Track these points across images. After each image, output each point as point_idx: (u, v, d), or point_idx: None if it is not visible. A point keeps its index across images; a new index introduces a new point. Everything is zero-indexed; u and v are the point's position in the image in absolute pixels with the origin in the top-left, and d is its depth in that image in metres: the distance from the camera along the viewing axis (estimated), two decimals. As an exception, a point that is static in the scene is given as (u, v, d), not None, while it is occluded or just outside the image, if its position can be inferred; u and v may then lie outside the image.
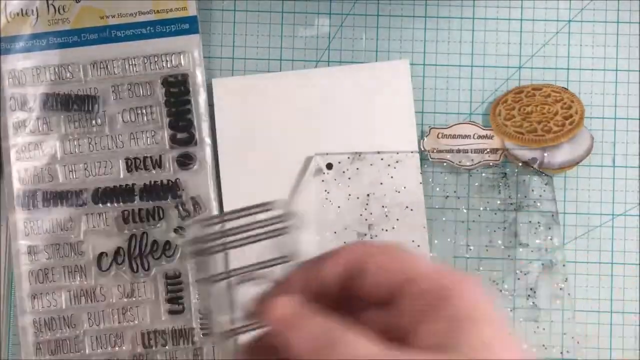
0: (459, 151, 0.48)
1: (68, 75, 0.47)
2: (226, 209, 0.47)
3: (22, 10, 0.47)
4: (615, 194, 0.48)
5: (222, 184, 0.47)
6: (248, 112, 0.47)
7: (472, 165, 0.47)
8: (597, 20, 0.49)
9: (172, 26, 0.47)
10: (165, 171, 0.46)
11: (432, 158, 0.48)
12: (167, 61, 0.47)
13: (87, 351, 0.46)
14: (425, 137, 0.48)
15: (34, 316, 0.46)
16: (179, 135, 0.47)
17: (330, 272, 0.27)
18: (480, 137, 0.48)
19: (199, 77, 0.47)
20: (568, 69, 0.49)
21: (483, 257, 0.47)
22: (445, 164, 0.48)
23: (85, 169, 0.46)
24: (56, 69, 0.47)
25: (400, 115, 0.48)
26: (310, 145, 0.47)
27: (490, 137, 0.48)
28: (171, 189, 0.46)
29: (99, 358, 0.46)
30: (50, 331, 0.46)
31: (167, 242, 0.46)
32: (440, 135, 0.48)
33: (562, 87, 0.47)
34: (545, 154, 0.47)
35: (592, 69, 0.49)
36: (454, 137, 0.48)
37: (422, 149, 0.48)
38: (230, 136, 0.47)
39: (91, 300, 0.46)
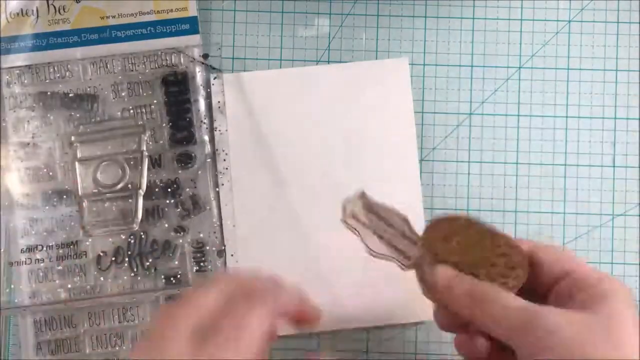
0: (375, 232, 0.41)
1: (68, 74, 0.47)
2: (236, 207, 0.47)
3: (22, 10, 0.47)
4: (615, 194, 0.48)
5: (233, 178, 0.47)
6: (255, 107, 0.47)
7: (379, 254, 0.41)
8: (597, 20, 0.49)
9: (173, 26, 0.47)
10: (164, 170, 0.47)
11: (346, 221, 0.41)
12: (167, 61, 0.47)
13: (87, 351, 0.46)
14: (354, 195, 0.41)
15: (34, 316, 0.46)
16: (179, 135, 0.47)
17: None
18: (404, 236, 0.41)
19: (199, 77, 0.47)
20: (568, 69, 0.49)
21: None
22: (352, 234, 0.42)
23: (84, 168, 0.46)
24: (56, 69, 0.47)
25: (400, 111, 0.48)
26: (313, 142, 0.47)
27: (414, 243, 0.41)
28: (171, 187, 0.46)
29: (99, 358, 0.46)
30: (50, 331, 0.46)
31: (167, 242, 0.46)
32: (367, 207, 0.41)
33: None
34: None
35: (592, 69, 0.49)
36: (380, 218, 0.42)
37: (346, 202, 0.41)
38: (239, 131, 0.47)
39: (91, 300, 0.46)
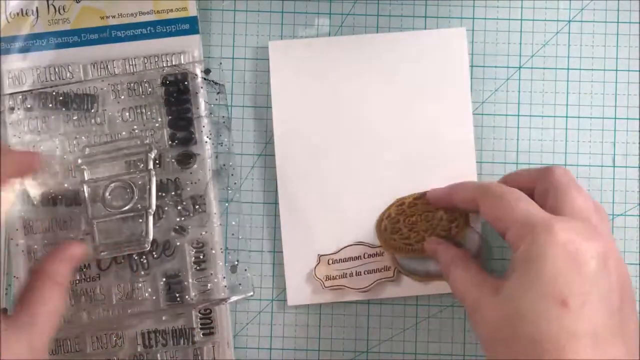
0: (352, 274, 0.46)
1: (68, 75, 0.47)
2: (280, 183, 0.47)
3: (22, 10, 0.47)
4: (615, 194, 0.48)
5: (277, 149, 0.47)
6: (303, 76, 0.48)
7: (369, 286, 0.46)
8: (597, 20, 0.49)
9: (173, 26, 0.47)
10: (164, 170, 0.46)
11: (325, 286, 0.46)
12: (167, 61, 0.47)
13: (87, 351, 0.46)
14: (315, 266, 0.46)
15: (34, 316, 0.46)
16: (179, 135, 0.47)
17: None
18: (370, 255, 0.46)
19: (199, 76, 0.47)
20: (568, 69, 0.49)
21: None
22: (341, 290, 0.46)
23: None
24: (56, 69, 0.47)
25: (455, 84, 0.48)
26: (364, 115, 0.48)
27: (381, 254, 0.46)
28: (171, 188, 0.46)
29: (99, 358, 0.46)
30: (50, 331, 0.46)
31: (167, 242, 0.46)
32: (330, 262, 0.46)
33: None
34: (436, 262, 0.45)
35: (592, 69, 0.49)
36: (344, 260, 0.46)
37: (315, 278, 0.46)
38: (285, 100, 0.47)
39: (91, 300, 0.46)
